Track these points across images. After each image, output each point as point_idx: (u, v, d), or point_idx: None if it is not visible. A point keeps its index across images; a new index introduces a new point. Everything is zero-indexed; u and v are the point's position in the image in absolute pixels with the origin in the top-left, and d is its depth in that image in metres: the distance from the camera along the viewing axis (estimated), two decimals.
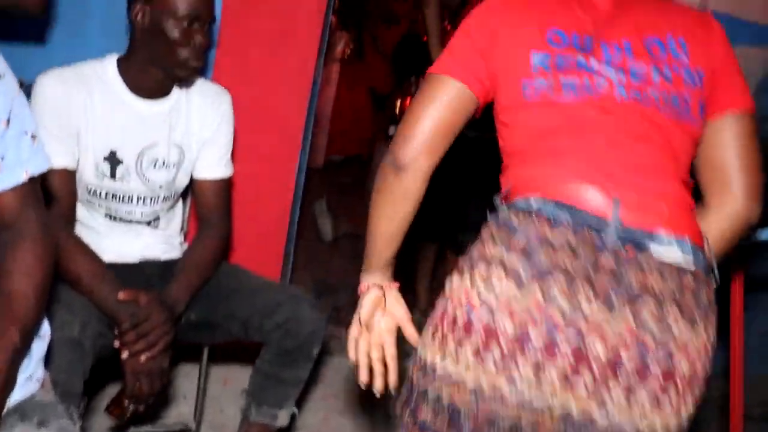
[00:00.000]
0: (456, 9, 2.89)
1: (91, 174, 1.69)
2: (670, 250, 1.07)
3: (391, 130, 4.97)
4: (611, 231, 1.06)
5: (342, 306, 2.96)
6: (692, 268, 1.08)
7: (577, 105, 1.15)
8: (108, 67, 1.69)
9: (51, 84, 1.61)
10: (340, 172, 5.82)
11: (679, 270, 1.07)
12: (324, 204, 3.87)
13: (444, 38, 3.17)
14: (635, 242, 1.06)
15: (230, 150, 1.87)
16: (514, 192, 1.16)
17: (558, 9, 1.23)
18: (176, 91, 1.75)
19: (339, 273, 3.38)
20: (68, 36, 2.08)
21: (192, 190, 1.90)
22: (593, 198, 1.09)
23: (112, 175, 1.70)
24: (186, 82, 1.73)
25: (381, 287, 1.31)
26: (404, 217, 1.24)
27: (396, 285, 1.34)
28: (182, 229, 1.99)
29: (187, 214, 2.02)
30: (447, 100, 1.20)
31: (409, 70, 5.60)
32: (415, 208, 1.25)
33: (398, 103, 5.30)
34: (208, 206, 1.85)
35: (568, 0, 1.24)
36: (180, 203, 1.94)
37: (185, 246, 1.94)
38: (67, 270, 1.55)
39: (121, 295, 1.55)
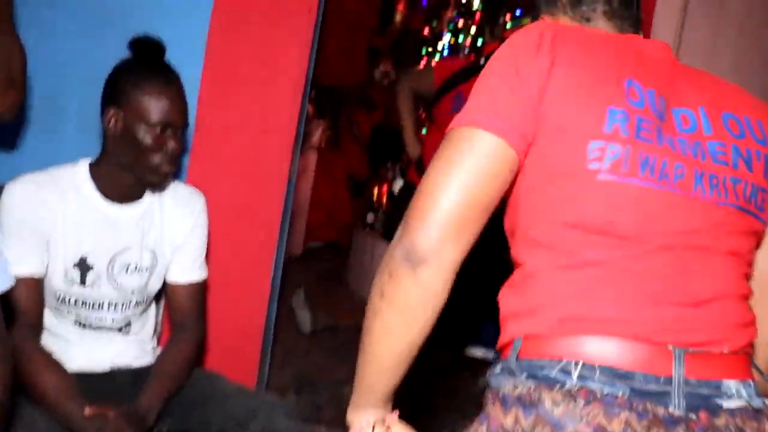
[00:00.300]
0: (432, 101, 2.95)
1: (59, 280, 1.64)
2: (739, 401, 0.88)
3: (369, 217, 5.00)
4: (678, 397, 0.85)
5: (323, 404, 2.87)
6: (762, 407, 0.90)
7: (651, 195, 0.91)
8: (80, 172, 1.66)
9: (21, 191, 1.58)
10: (319, 260, 5.78)
11: (755, 416, 0.88)
12: (302, 295, 3.81)
13: (419, 129, 3.22)
14: (706, 404, 0.86)
15: (204, 252, 1.84)
16: (534, 339, 0.90)
17: (621, 53, 0.99)
18: (149, 195, 1.72)
19: (319, 367, 3.30)
20: (42, 140, 2.07)
21: (165, 293, 1.85)
22: (648, 351, 0.86)
23: (82, 281, 1.65)
24: (158, 187, 1.71)
25: (384, 422, 1.02)
26: (420, 333, 0.93)
27: (396, 413, 1.05)
28: (155, 333, 1.93)
29: (160, 318, 1.96)
30: (481, 163, 0.91)
31: (385, 156, 5.71)
32: (435, 319, 0.93)
33: (375, 191, 5.37)
34: (181, 310, 1.80)
35: (624, 45, 1.02)
36: (153, 307, 1.89)
37: (158, 350, 1.88)
38: (31, 385, 1.48)
39: (88, 411, 1.48)
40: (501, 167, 0.92)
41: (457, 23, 5.16)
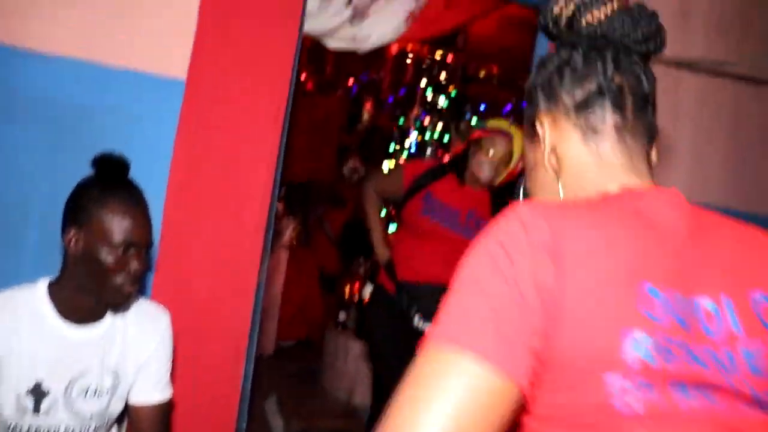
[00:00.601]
0: (401, 202, 2.95)
1: (11, 409, 1.55)
2: None
3: (341, 315, 4.93)
4: None
5: None
6: None
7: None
8: (38, 293, 1.61)
9: None
10: (291, 359, 5.65)
11: None
12: (274, 401, 3.69)
13: (386, 229, 3.22)
14: None
15: (169, 371, 1.77)
16: None
17: (632, 236, 0.82)
18: (110, 315, 1.67)
19: None
20: (2, 256, 2.02)
21: (128, 415, 1.76)
22: None
23: (36, 409, 1.56)
24: (120, 307, 1.66)
25: None
26: None
27: None
28: None
29: None
30: (470, 402, 0.70)
31: (356, 252, 5.69)
32: None
33: (347, 288, 5.32)
34: None
35: (632, 218, 0.85)
36: (114, 431, 1.80)
37: None
38: None
39: None
40: (496, 410, 0.71)
41: (423, 121, 5.28)
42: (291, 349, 5.90)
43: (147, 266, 1.62)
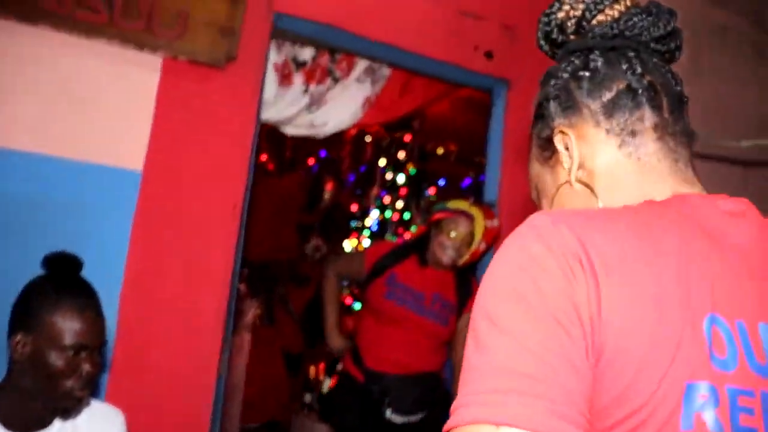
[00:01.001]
0: (364, 284, 2.92)
1: None
2: None
3: (307, 397, 4.83)
4: None
5: None
6: None
7: None
8: None
9: None
10: None
11: None
12: None
13: (341, 317, 3.18)
14: None
15: None
16: None
17: (686, 250, 0.67)
18: (59, 421, 1.60)
19: None
20: None
21: None
22: None
23: None
24: (70, 413, 1.60)
25: None
26: None
27: None
28: None
29: None
30: None
31: (320, 330, 5.63)
32: None
33: (312, 369, 5.23)
34: None
35: (683, 225, 0.70)
36: None
37: None
38: None
39: None
40: None
41: (383, 199, 5.34)
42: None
43: (100, 367, 1.58)
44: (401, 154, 5.31)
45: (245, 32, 2.38)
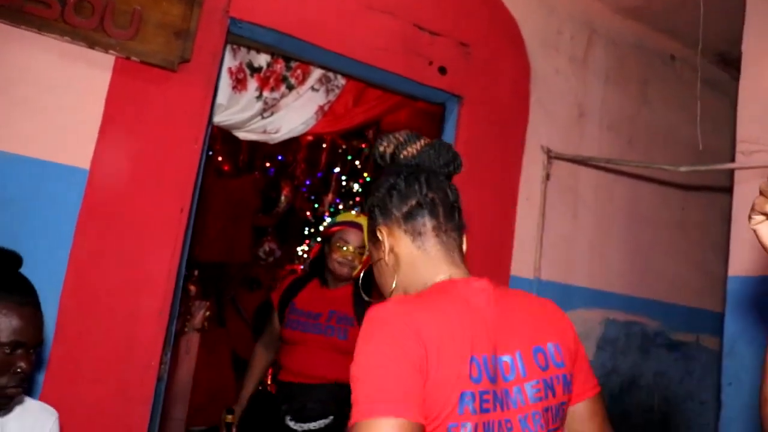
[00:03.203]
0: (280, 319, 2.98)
1: None
2: None
3: None
4: None
5: None
6: None
7: None
8: None
9: None
10: None
11: None
12: None
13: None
14: None
15: None
16: None
17: (461, 320, 1.19)
18: None
19: None
20: None
21: None
22: None
23: None
24: (0, 410, 1.59)
25: None
26: None
27: None
28: None
29: None
30: None
31: None
32: None
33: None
34: None
35: (461, 308, 1.22)
36: None
37: None
38: None
39: None
40: None
41: (337, 206, 5.36)
42: None
43: (34, 366, 1.57)
44: (357, 162, 5.34)
45: (200, 36, 2.39)
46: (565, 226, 3.36)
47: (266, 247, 6.32)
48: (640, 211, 3.73)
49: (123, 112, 2.30)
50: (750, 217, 1.06)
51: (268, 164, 6.30)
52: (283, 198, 5.95)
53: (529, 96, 3.27)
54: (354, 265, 2.83)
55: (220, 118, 2.75)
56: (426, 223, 1.31)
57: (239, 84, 2.78)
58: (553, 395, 1.25)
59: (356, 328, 2.82)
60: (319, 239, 2.92)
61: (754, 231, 1.06)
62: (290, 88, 2.91)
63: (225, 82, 2.72)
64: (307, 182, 5.80)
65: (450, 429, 1.10)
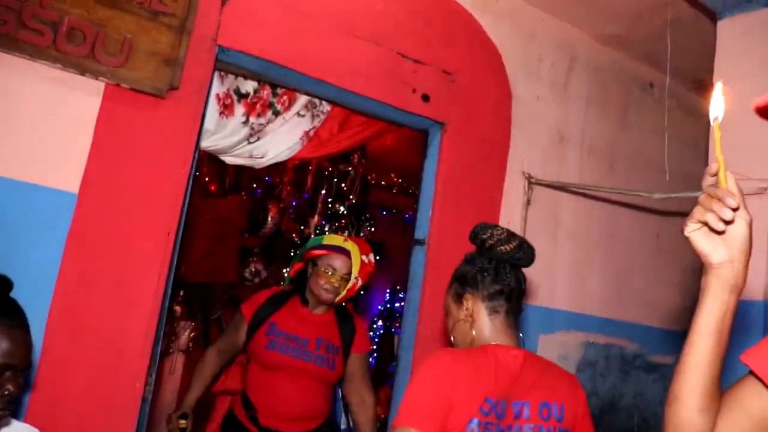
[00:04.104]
0: (247, 338, 2.80)
1: None
2: None
3: None
4: None
5: None
6: None
7: None
8: None
9: None
10: None
11: None
12: None
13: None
14: None
15: None
16: None
17: (488, 374, 1.63)
18: None
19: None
20: None
21: None
22: None
23: None
24: None
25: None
26: None
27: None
28: None
29: None
30: None
31: None
32: None
33: None
34: None
35: (493, 364, 1.65)
36: None
37: None
38: None
39: None
40: None
41: (323, 228, 5.41)
42: None
43: (23, 389, 1.60)
44: (343, 185, 5.40)
45: (188, 63, 2.44)
46: (546, 251, 3.42)
47: (252, 268, 6.32)
48: (619, 236, 3.81)
49: (112, 138, 2.34)
50: (687, 224, 1.09)
51: (254, 185, 6.33)
52: (269, 219, 5.98)
53: (511, 122, 3.35)
54: (339, 291, 2.73)
55: (207, 143, 2.81)
56: (502, 305, 1.76)
57: (226, 109, 2.84)
58: None
59: (341, 356, 2.78)
60: (299, 258, 2.76)
61: (689, 239, 1.10)
62: (276, 114, 2.98)
63: (212, 108, 2.78)
64: (294, 203, 5.84)
65: None
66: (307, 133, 3.09)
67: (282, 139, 3.03)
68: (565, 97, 3.63)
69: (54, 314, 2.17)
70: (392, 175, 6.20)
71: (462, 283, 1.81)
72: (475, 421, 1.56)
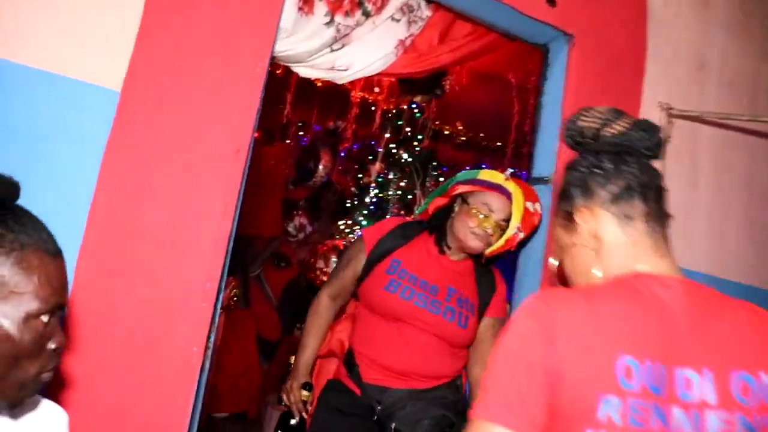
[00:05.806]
0: (362, 274, 2.30)
1: None
2: None
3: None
4: None
5: None
6: None
7: None
8: None
9: None
10: None
11: None
12: None
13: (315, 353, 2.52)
14: None
15: None
16: None
17: (617, 314, 1.08)
18: None
19: None
20: None
21: None
22: None
23: None
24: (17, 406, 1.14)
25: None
26: None
27: None
28: None
29: None
30: None
31: (298, 317, 5.15)
32: None
33: (291, 358, 4.74)
34: None
35: (626, 297, 1.10)
36: None
37: None
38: None
39: None
40: None
41: (386, 177, 4.78)
42: (223, 423, 5.36)
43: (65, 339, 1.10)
44: (408, 129, 4.79)
45: None
46: (683, 201, 2.81)
47: (297, 222, 5.90)
48: (759, 187, 3.17)
49: (165, 22, 1.78)
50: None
51: (301, 134, 5.83)
52: (321, 168, 5.46)
53: (646, 42, 2.72)
54: (490, 240, 2.17)
55: (281, 47, 2.21)
56: (638, 207, 1.19)
57: (306, 5, 2.24)
58: None
59: (476, 316, 2.23)
60: (441, 192, 2.16)
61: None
62: (366, 15, 2.36)
63: (290, 2, 2.18)
64: (355, 147, 5.28)
65: None
66: (402, 42, 2.46)
67: (371, 48, 2.40)
68: (706, 17, 2.98)
69: (86, 252, 1.62)
70: (456, 123, 5.60)
71: (568, 197, 1.25)
72: (613, 400, 1.00)
